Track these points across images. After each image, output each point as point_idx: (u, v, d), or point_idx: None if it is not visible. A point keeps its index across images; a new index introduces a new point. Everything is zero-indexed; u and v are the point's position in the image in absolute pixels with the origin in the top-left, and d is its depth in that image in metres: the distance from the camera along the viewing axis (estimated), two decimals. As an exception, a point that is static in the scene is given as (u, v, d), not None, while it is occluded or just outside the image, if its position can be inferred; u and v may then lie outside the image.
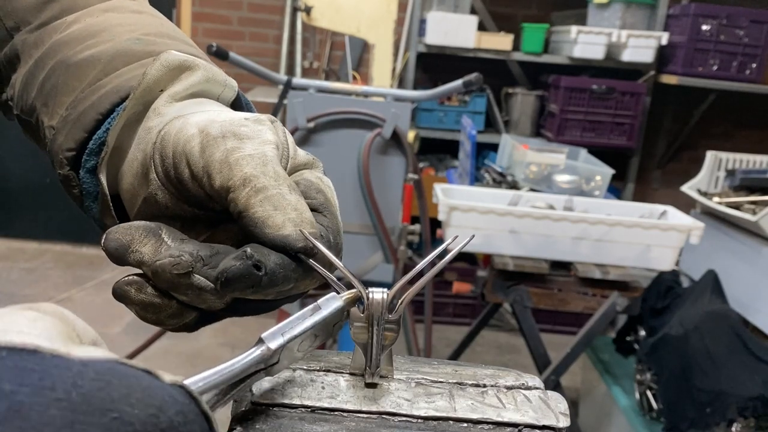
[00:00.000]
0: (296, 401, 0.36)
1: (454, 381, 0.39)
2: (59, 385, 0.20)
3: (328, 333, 0.37)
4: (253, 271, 0.36)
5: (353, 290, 0.38)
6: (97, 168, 0.46)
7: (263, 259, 0.36)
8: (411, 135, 2.41)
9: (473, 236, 0.44)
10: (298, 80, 2.29)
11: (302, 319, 0.35)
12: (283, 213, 0.38)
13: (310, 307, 0.36)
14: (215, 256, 0.37)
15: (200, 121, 0.42)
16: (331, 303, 0.37)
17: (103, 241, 0.39)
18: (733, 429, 1.91)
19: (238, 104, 0.51)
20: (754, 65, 3.45)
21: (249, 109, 0.53)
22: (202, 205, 0.42)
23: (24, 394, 0.20)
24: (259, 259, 0.36)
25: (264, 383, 0.37)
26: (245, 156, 0.39)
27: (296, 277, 0.38)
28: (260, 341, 0.34)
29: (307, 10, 2.52)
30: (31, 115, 0.53)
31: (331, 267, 0.40)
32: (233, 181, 0.38)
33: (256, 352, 0.33)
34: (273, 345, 0.34)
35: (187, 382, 0.28)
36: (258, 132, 0.41)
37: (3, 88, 0.58)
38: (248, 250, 0.36)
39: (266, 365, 0.34)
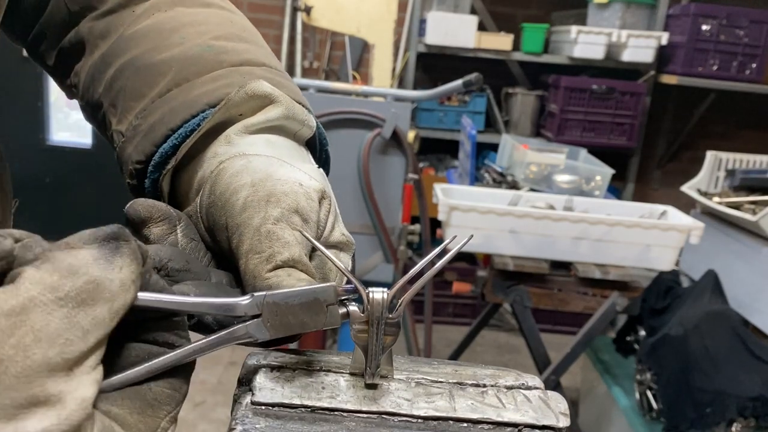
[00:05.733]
0: (296, 401, 0.36)
1: (454, 381, 0.39)
2: None
3: (320, 311, 0.37)
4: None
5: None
6: (159, 179, 0.48)
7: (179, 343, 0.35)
8: (411, 135, 2.41)
9: (472, 236, 0.44)
10: (298, 80, 2.29)
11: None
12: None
13: None
14: (184, 272, 0.38)
15: (257, 170, 0.43)
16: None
17: (127, 207, 0.40)
18: (733, 429, 1.91)
19: (312, 141, 0.52)
20: (754, 65, 3.45)
21: (323, 147, 0.53)
22: (216, 242, 0.44)
23: None
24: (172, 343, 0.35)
25: (266, 381, 0.37)
26: (276, 232, 0.40)
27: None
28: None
29: (307, 10, 2.52)
30: (98, 110, 0.54)
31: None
32: (261, 256, 0.39)
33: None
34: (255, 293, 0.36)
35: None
36: (302, 207, 0.41)
37: (68, 73, 0.58)
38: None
39: (249, 313, 0.35)
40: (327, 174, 0.51)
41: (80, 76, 0.55)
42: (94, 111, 0.55)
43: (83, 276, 0.29)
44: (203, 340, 0.35)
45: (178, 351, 0.33)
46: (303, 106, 0.50)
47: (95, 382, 0.29)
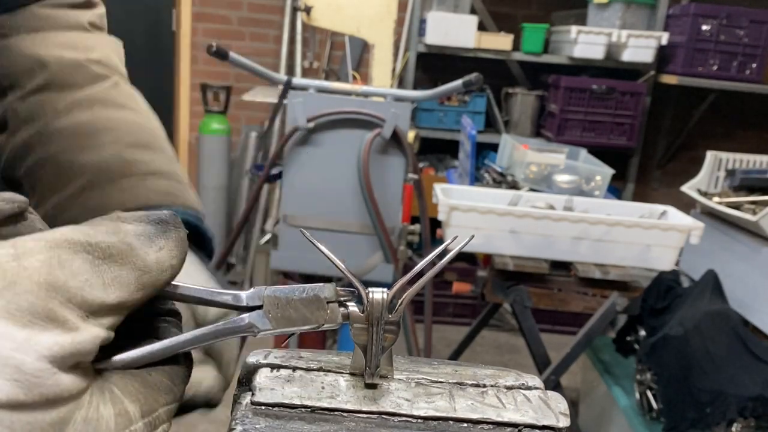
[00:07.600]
0: (296, 401, 0.36)
1: (454, 381, 0.39)
2: None
3: (321, 307, 0.37)
4: None
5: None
6: None
7: None
8: (411, 135, 2.41)
9: (473, 236, 0.44)
10: (298, 80, 2.29)
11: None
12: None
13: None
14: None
15: None
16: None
17: None
18: (733, 429, 1.91)
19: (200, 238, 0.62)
20: (754, 65, 3.45)
21: (210, 247, 0.63)
22: None
23: None
24: None
25: (266, 381, 0.37)
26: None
27: None
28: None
29: (307, 10, 2.52)
30: (17, 188, 0.61)
31: None
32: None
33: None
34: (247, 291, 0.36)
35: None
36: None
37: None
38: None
39: (249, 304, 0.35)
40: (210, 258, 0.63)
41: (4, 150, 0.63)
42: (13, 184, 0.62)
43: (118, 237, 0.29)
44: (206, 328, 0.34)
45: (180, 336, 0.33)
46: (194, 209, 0.61)
47: (107, 339, 0.29)
